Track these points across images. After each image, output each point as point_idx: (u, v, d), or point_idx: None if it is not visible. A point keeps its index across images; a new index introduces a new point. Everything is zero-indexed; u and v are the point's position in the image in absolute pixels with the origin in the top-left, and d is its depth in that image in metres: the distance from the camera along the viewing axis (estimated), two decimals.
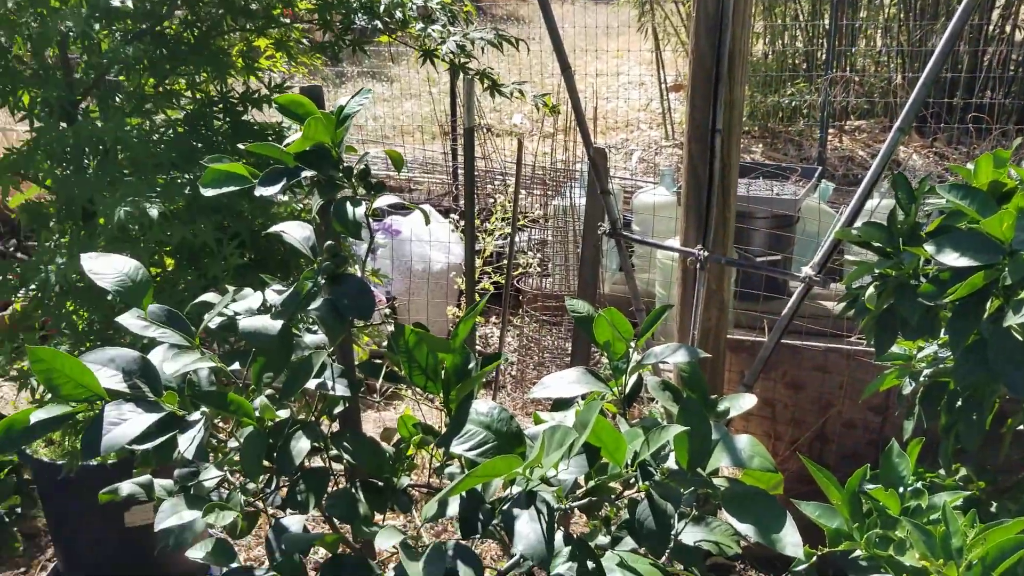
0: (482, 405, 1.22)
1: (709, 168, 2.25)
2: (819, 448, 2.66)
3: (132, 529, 2.30)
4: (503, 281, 3.26)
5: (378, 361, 1.56)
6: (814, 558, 1.32)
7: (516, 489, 1.19)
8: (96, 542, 2.40)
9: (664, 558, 1.34)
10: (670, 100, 7.89)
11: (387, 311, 3.92)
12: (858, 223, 1.87)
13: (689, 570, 1.35)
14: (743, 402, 1.47)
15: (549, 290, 4.15)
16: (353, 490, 1.32)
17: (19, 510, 2.34)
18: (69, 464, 2.00)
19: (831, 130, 7.01)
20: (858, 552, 1.38)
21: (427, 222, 1.49)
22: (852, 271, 1.74)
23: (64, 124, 2.04)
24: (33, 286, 1.77)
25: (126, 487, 1.26)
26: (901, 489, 1.39)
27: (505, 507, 1.16)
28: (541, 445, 1.04)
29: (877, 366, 1.94)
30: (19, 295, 2.00)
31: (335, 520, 1.29)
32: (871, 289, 1.71)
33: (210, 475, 1.27)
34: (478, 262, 3.93)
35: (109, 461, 2.16)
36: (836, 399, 2.55)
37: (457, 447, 1.17)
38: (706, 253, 2.29)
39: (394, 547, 1.13)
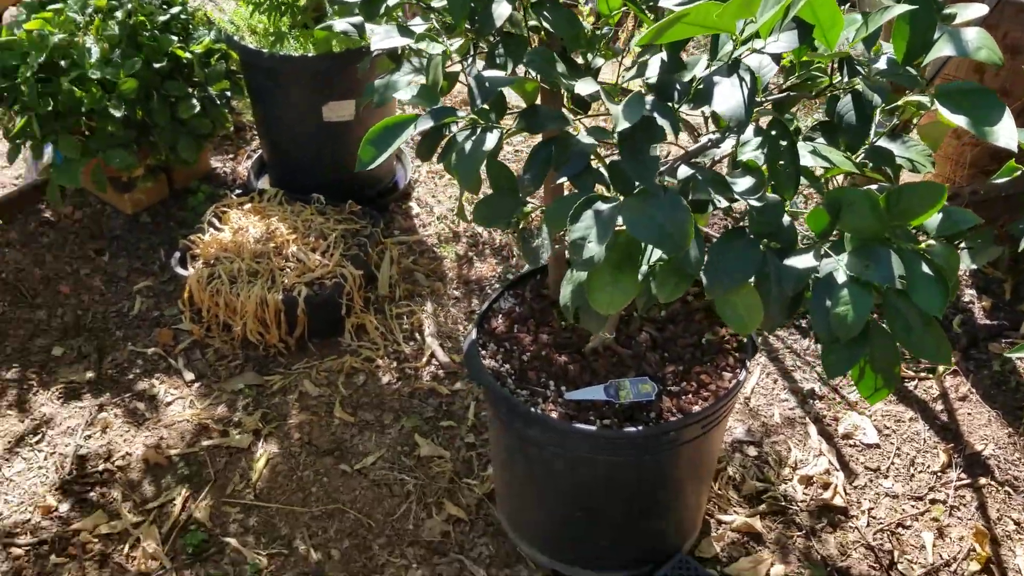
0: None
1: None
2: None
3: (330, 124, 2.44)
4: None
5: None
6: (1019, 172, 1.26)
7: (717, 65, 1.17)
8: (296, 135, 2.58)
9: (858, 157, 1.32)
10: None
11: None
12: None
13: (883, 170, 1.33)
14: (972, 10, 1.34)
15: None
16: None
17: (228, 94, 2.52)
18: (271, 46, 2.11)
19: None
20: None
21: None
22: None
23: None
24: None
25: (340, 24, 1.31)
26: None
27: (706, 75, 1.15)
28: None
29: None
30: None
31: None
32: None
33: (417, 23, 1.30)
34: None
35: (310, 53, 2.25)
36: None
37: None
38: None
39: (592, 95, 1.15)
